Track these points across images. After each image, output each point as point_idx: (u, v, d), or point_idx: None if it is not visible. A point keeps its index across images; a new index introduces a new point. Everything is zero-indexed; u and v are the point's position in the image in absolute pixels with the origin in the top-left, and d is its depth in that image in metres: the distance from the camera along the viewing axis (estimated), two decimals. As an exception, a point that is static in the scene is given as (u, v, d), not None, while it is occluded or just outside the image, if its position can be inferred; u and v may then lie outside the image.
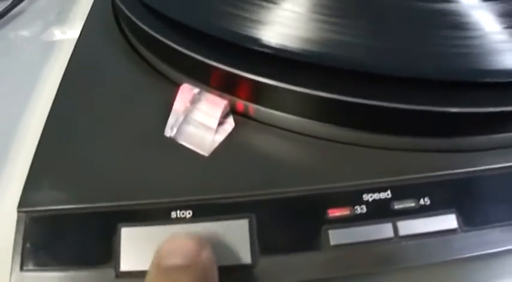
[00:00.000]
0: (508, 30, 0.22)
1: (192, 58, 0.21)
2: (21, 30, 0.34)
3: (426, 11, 0.22)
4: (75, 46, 0.26)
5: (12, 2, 0.34)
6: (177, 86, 0.22)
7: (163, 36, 0.22)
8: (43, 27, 0.35)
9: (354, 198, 0.20)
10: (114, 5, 0.28)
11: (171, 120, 0.21)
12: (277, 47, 0.20)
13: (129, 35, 0.26)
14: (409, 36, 0.21)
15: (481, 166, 0.21)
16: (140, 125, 0.22)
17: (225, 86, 0.21)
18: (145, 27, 0.23)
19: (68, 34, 0.34)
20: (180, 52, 0.21)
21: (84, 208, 0.20)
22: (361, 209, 0.20)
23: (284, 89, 0.20)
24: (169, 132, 0.21)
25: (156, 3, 0.23)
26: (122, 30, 0.27)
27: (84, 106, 0.23)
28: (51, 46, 0.33)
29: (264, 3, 0.22)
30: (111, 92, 0.24)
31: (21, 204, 0.20)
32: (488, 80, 0.20)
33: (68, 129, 0.22)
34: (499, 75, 0.20)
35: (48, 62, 0.32)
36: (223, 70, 0.20)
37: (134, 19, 0.23)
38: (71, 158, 0.21)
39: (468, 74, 0.20)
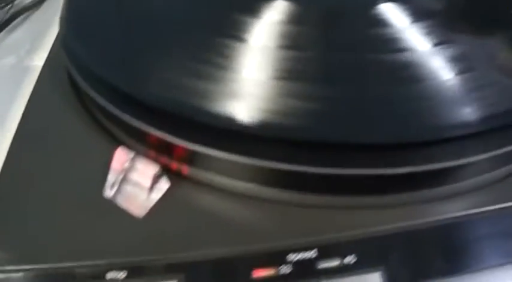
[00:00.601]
0: (460, 76, 0.22)
1: (124, 121, 0.22)
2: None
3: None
4: (29, 98, 0.27)
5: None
6: (118, 144, 0.23)
7: (103, 97, 0.23)
8: (16, 60, 0.36)
9: (279, 258, 0.20)
10: None
11: (109, 180, 0.22)
12: (209, 114, 0.20)
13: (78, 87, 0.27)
14: (345, 97, 0.21)
15: (408, 221, 0.21)
16: (82, 185, 0.23)
17: (158, 149, 0.22)
18: (83, 85, 0.23)
19: (40, 65, 0.35)
20: (113, 114, 0.22)
21: (28, 270, 0.21)
22: (286, 269, 0.20)
23: (213, 155, 0.21)
24: (108, 192, 0.22)
25: (96, 66, 0.23)
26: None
27: (32, 165, 0.24)
28: (22, 78, 0.34)
29: (194, 70, 0.22)
30: (59, 149, 0.25)
31: None
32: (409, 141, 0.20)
33: (16, 190, 0.23)
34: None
35: (18, 96, 0.33)
36: (155, 136, 0.21)
37: (74, 75, 0.24)
38: (18, 219, 0.22)
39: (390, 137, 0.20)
